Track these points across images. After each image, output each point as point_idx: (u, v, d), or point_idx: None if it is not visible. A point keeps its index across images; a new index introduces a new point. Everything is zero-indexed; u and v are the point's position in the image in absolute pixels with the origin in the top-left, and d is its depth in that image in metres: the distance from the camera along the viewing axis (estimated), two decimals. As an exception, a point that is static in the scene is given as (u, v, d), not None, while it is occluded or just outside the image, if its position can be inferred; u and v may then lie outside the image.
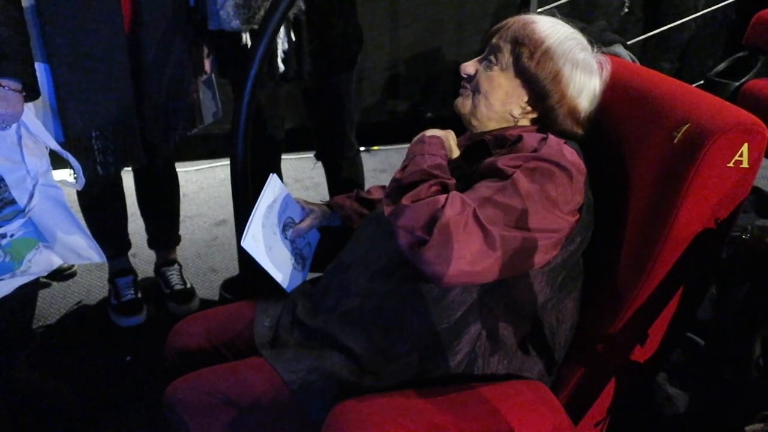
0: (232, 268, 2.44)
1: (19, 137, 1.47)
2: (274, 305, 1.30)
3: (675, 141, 1.03)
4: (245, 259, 1.73)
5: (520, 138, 1.12)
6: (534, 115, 1.17)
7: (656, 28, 3.16)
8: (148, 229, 2.24)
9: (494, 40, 1.18)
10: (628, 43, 1.56)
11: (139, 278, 2.23)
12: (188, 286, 2.23)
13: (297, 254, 1.39)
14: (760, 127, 0.99)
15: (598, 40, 1.25)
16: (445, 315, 1.08)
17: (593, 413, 1.13)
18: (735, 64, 2.12)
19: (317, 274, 1.36)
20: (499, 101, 1.16)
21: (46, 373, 1.88)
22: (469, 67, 1.20)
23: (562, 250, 1.07)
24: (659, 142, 1.07)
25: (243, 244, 1.24)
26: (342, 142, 2.14)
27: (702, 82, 2.18)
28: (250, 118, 1.51)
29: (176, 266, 2.27)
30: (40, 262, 1.56)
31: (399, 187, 1.07)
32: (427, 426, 0.94)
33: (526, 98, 1.16)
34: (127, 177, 2.08)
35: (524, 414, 0.99)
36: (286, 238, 1.36)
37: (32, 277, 1.56)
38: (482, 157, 1.15)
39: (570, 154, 1.07)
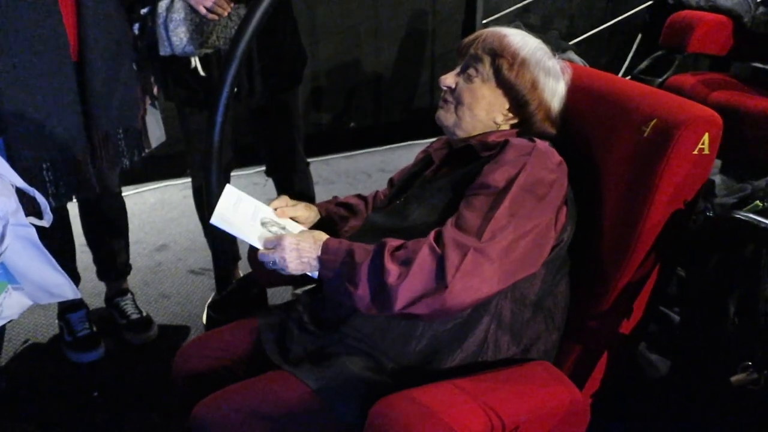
0: (184, 292, 2.41)
1: (-16, 176, 1.40)
2: (276, 318, 1.31)
3: (645, 135, 1.17)
4: (223, 281, 1.74)
5: (506, 143, 1.19)
6: (515, 121, 1.27)
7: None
8: (96, 260, 2.17)
9: (471, 52, 1.27)
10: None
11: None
12: (144, 314, 2.18)
13: None
14: (716, 118, 1.15)
15: (555, 48, 1.38)
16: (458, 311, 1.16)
17: (590, 385, 1.25)
18: (655, 63, 2.36)
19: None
20: (484, 111, 1.25)
21: (11, 421, 1.79)
22: (448, 80, 1.28)
23: (558, 240, 1.17)
24: (629, 137, 1.20)
25: (211, 221, 1.19)
26: (293, 156, 2.18)
27: (629, 78, 2.41)
28: (226, 142, 1.52)
29: (129, 295, 2.21)
30: (11, 305, 1.49)
31: (369, 273, 1.08)
32: (470, 413, 1.02)
33: (507, 105, 1.25)
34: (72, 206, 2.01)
35: (546, 392, 1.09)
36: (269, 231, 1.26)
37: (3, 322, 1.49)
38: (467, 161, 1.24)
39: (555, 156, 1.17)
